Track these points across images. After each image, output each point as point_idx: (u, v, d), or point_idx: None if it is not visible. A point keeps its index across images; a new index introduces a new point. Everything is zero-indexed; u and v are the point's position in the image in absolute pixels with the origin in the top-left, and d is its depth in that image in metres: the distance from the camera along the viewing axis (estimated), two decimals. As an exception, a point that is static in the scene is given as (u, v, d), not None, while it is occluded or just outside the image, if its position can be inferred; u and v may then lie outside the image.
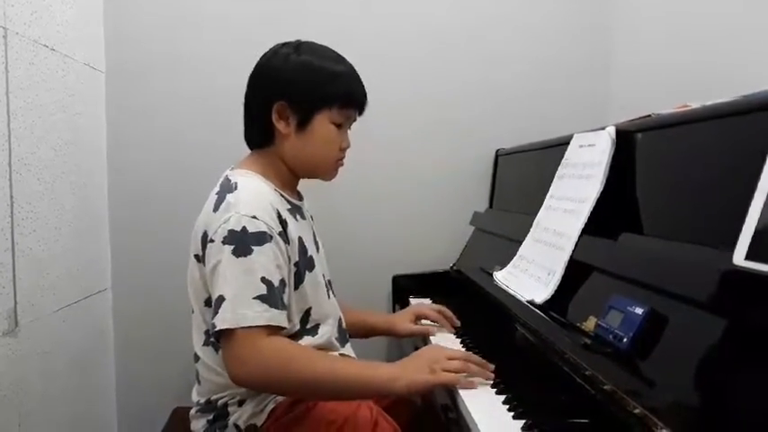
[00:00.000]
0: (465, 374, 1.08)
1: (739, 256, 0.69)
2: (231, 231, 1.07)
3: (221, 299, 1.05)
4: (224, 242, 1.07)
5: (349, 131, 1.29)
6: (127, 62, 1.89)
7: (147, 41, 1.90)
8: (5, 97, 1.33)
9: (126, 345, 1.95)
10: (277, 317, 1.06)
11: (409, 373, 1.08)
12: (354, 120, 1.28)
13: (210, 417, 1.18)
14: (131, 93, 1.90)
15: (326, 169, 1.28)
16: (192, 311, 1.21)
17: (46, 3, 1.52)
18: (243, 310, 1.04)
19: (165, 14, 1.90)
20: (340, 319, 1.34)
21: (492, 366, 1.11)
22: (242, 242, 1.07)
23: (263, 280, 1.06)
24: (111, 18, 1.88)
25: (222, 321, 1.04)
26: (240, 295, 1.05)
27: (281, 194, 1.22)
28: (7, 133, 1.34)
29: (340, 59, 1.24)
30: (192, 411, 1.23)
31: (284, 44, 1.24)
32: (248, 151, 1.29)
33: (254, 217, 1.08)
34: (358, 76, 1.25)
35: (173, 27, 1.90)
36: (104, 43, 1.88)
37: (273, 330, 1.07)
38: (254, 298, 1.05)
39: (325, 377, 1.07)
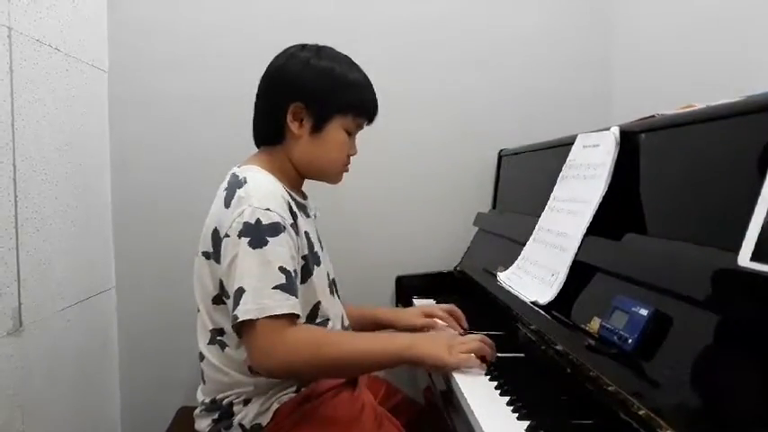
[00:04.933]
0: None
1: (744, 257, 0.68)
2: (246, 224, 1.08)
3: (241, 290, 1.05)
4: (239, 235, 1.08)
5: (356, 137, 1.31)
6: (130, 61, 1.90)
7: (149, 41, 1.90)
8: (10, 96, 1.34)
9: (130, 344, 1.96)
10: (296, 305, 1.08)
11: (425, 343, 1.12)
12: (362, 128, 1.30)
13: (215, 416, 1.18)
14: (134, 92, 1.91)
15: (333, 173, 1.30)
16: (198, 310, 1.22)
17: (50, 2, 1.52)
18: (264, 300, 1.05)
19: (168, 14, 1.90)
20: (343, 318, 1.34)
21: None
22: (257, 234, 1.07)
23: (282, 269, 1.07)
24: (114, 17, 1.88)
25: (245, 313, 1.04)
26: (260, 286, 1.05)
27: (288, 192, 1.23)
28: (11, 132, 1.34)
29: (357, 68, 1.27)
30: (197, 411, 1.23)
31: (303, 47, 1.25)
32: (252, 149, 1.30)
33: (268, 209, 1.10)
34: (372, 86, 1.28)
35: (175, 27, 1.91)
36: (107, 43, 1.88)
37: (294, 318, 1.08)
38: (274, 288, 1.06)
39: (349, 356, 1.11)
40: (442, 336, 1.21)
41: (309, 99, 1.21)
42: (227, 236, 1.10)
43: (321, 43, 1.28)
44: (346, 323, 1.36)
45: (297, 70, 1.22)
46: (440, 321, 1.45)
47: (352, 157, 1.31)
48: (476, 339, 1.15)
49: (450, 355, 1.10)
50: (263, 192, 1.13)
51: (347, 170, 1.32)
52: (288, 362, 1.07)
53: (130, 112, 1.91)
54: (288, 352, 1.06)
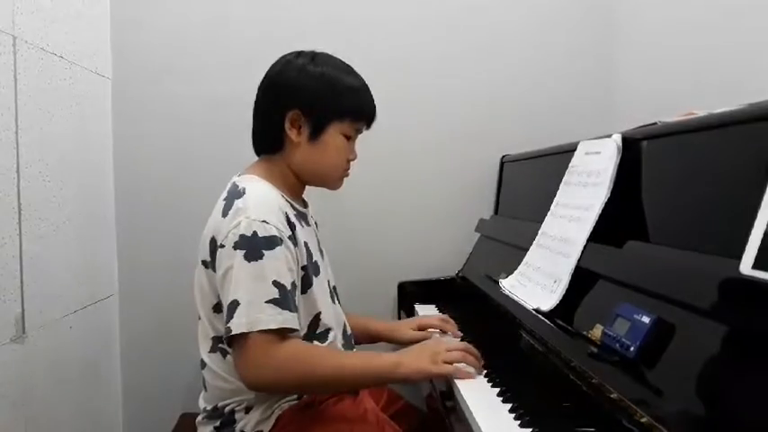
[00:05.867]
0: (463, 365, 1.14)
1: (746, 266, 0.68)
2: (242, 236, 1.08)
3: (235, 303, 1.06)
4: (235, 247, 1.08)
5: (355, 142, 1.31)
6: (133, 69, 1.91)
7: (152, 49, 1.91)
8: (14, 104, 1.34)
9: (132, 351, 1.96)
10: (290, 320, 1.07)
11: (410, 360, 1.13)
12: (361, 132, 1.31)
13: (217, 423, 1.18)
14: (137, 99, 1.91)
15: (333, 179, 1.30)
16: (199, 318, 1.22)
17: (54, 11, 1.54)
18: (257, 314, 1.05)
19: (171, 22, 1.91)
20: (345, 326, 1.34)
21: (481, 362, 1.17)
22: (253, 246, 1.07)
23: (275, 283, 1.07)
24: (117, 26, 1.89)
25: (237, 326, 1.05)
26: (253, 300, 1.06)
27: (288, 200, 1.23)
28: (15, 140, 1.35)
29: (354, 73, 1.27)
30: (199, 418, 1.24)
31: (298, 54, 1.26)
32: (254, 157, 1.31)
33: (265, 221, 1.09)
34: (369, 90, 1.28)
35: (178, 35, 1.91)
36: (111, 51, 1.89)
37: (286, 333, 1.08)
38: (267, 302, 1.06)
39: (334, 374, 1.11)
40: (427, 346, 1.18)
41: (306, 106, 1.21)
42: (222, 246, 1.10)
43: (324, 46, 1.29)
44: (349, 331, 1.36)
45: (292, 77, 1.22)
46: (433, 332, 1.46)
47: (353, 163, 1.31)
48: (460, 348, 1.16)
49: (434, 364, 1.12)
50: (261, 203, 1.14)
51: (347, 175, 1.32)
52: (274, 377, 1.07)
53: (134, 119, 1.91)
54: (275, 367, 1.06)
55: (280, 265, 1.09)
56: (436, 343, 1.23)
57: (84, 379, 1.70)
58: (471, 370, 1.14)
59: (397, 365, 1.12)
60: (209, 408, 1.21)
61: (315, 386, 1.15)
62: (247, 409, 1.17)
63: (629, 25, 1.95)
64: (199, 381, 1.25)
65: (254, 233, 1.08)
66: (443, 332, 1.45)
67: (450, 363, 1.13)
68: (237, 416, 1.17)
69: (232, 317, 1.05)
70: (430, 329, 1.47)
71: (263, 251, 1.08)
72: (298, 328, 1.10)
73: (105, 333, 1.87)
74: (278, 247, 1.09)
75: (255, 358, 1.05)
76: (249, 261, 1.07)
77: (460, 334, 1.44)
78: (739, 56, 1.40)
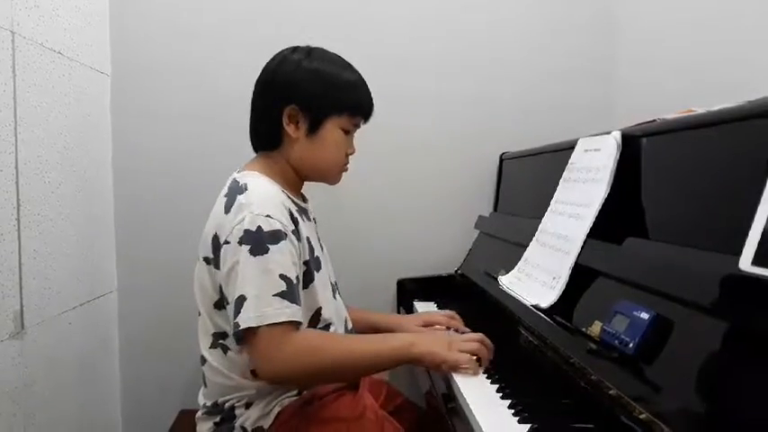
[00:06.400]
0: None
1: (745, 262, 0.68)
2: (247, 231, 1.08)
3: (242, 298, 1.06)
4: (240, 242, 1.08)
5: (354, 136, 1.31)
6: (132, 66, 1.90)
7: (151, 45, 1.90)
8: (12, 100, 1.34)
9: (131, 347, 1.96)
10: (296, 313, 1.08)
11: (424, 341, 1.15)
12: (359, 127, 1.30)
13: (217, 419, 1.18)
14: (136, 96, 1.91)
15: (332, 174, 1.30)
16: (199, 314, 1.22)
17: (53, 7, 1.53)
18: (264, 308, 1.05)
19: (170, 19, 1.90)
20: (346, 320, 1.34)
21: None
22: (258, 241, 1.08)
23: (282, 277, 1.07)
24: (116, 22, 1.88)
25: (245, 321, 1.05)
26: (261, 294, 1.06)
27: (288, 196, 1.23)
28: (14, 136, 1.35)
29: (350, 67, 1.27)
30: (199, 414, 1.24)
31: (294, 49, 1.26)
32: (253, 153, 1.30)
33: (269, 216, 1.10)
34: (366, 84, 1.28)
35: (177, 31, 1.91)
36: (110, 47, 1.89)
37: (295, 325, 1.08)
38: (275, 295, 1.06)
39: (347, 359, 1.13)
40: (443, 334, 1.23)
41: (303, 101, 1.21)
42: (226, 242, 1.10)
43: (324, 44, 1.29)
44: (350, 326, 1.36)
45: (289, 73, 1.23)
46: (440, 328, 1.45)
47: (353, 160, 1.31)
48: (475, 339, 1.16)
49: (450, 350, 1.13)
50: (264, 198, 1.14)
51: (346, 170, 1.32)
52: (288, 368, 1.08)
53: (133, 115, 1.91)
54: (287, 359, 1.06)
55: (285, 259, 1.09)
56: (452, 334, 1.25)
57: (83, 375, 1.70)
58: (479, 369, 1.13)
59: (412, 344, 1.13)
60: (208, 404, 1.21)
61: (330, 374, 1.16)
62: (247, 405, 1.17)
63: (629, 24, 1.95)
64: (198, 377, 1.26)
65: (259, 228, 1.08)
66: (448, 328, 1.45)
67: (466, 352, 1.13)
68: (237, 411, 1.17)
69: (239, 312, 1.05)
70: (436, 327, 1.47)
71: (269, 245, 1.08)
72: (302, 321, 1.11)
73: (104, 329, 1.87)
74: (282, 242, 1.10)
75: (268, 352, 1.06)
76: (255, 256, 1.07)
77: (468, 330, 1.43)
78: (738, 54, 1.40)
